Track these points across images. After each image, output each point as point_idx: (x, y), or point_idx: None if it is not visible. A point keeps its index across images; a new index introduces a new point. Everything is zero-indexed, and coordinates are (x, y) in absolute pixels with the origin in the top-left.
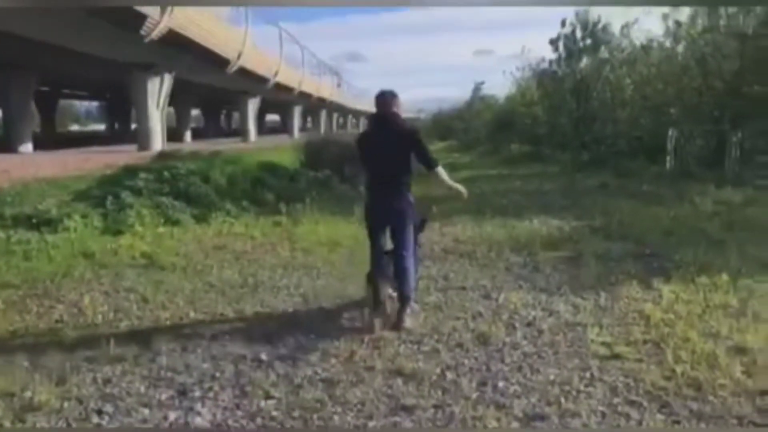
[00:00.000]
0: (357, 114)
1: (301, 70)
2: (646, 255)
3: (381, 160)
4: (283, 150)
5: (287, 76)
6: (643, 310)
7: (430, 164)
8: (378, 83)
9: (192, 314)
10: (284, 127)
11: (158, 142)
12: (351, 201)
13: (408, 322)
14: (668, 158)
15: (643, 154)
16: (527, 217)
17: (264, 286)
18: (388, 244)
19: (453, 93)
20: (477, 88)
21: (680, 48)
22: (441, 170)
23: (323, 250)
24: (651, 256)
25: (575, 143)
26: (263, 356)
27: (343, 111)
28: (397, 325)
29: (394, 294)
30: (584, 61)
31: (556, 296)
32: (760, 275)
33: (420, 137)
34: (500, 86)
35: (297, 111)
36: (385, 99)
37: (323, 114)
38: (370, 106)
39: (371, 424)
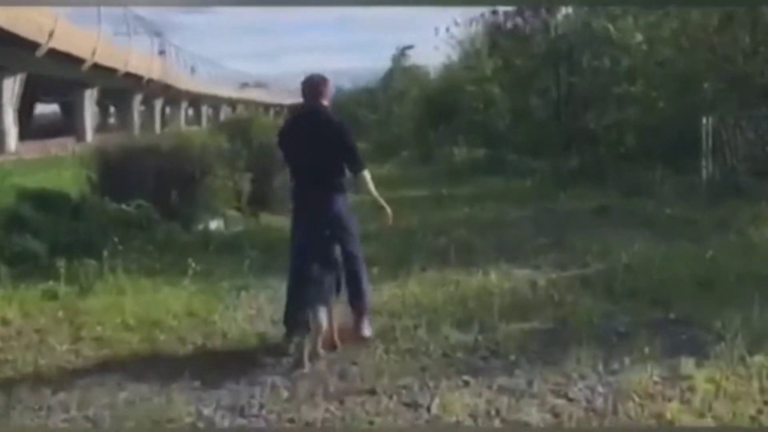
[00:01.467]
0: (196, 100)
1: (96, 29)
2: (669, 321)
3: (307, 160)
4: (63, 165)
5: (71, 41)
6: (664, 413)
7: (354, 166)
8: (230, 49)
9: None
10: (68, 125)
11: None
12: (183, 250)
13: (367, 331)
14: (704, 163)
15: (664, 157)
16: (480, 267)
17: (23, 405)
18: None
19: (359, 63)
20: (400, 54)
21: None
22: (367, 176)
23: (131, 338)
24: (677, 324)
25: (557, 142)
26: None
27: (172, 95)
28: (355, 336)
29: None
30: (564, 9)
31: (525, 398)
32: None
33: (347, 129)
34: (432, 51)
35: (89, 97)
36: (314, 85)
37: (136, 101)
38: (219, 89)
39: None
